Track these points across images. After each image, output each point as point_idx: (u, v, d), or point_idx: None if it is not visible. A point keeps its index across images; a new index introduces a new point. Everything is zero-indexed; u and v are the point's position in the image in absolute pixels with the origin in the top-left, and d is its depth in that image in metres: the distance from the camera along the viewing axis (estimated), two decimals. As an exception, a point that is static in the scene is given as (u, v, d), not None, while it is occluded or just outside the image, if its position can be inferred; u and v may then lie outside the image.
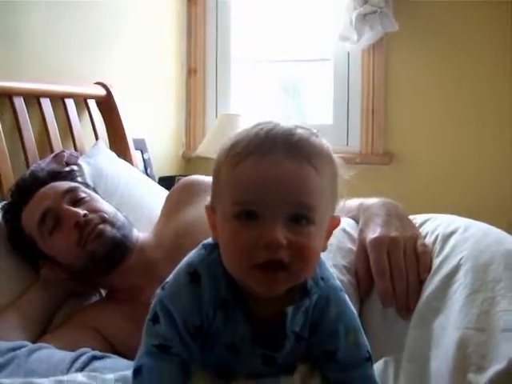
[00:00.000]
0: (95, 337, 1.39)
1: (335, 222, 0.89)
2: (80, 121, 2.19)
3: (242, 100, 3.14)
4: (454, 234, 1.15)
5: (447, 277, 1.06)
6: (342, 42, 2.65)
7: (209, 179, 1.63)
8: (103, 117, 2.32)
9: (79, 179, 1.67)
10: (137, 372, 0.85)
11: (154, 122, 2.82)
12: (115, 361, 1.08)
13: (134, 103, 2.54)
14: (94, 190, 1.64)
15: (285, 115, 3.09)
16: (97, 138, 2.22)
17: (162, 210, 1.64)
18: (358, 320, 0.93)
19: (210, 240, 0.90)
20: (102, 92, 2.29)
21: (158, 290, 0.89)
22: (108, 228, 1.46)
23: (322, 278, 0.90)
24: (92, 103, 2.26)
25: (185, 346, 0.86)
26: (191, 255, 0.90)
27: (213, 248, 0.88)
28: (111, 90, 2.31)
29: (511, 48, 2.55)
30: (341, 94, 2.85)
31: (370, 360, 0.92)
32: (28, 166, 1.89)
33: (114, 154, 2.14)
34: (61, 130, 2.07)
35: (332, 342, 0.90)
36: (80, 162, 1.94)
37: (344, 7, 2.59)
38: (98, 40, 2.37)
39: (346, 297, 0.92)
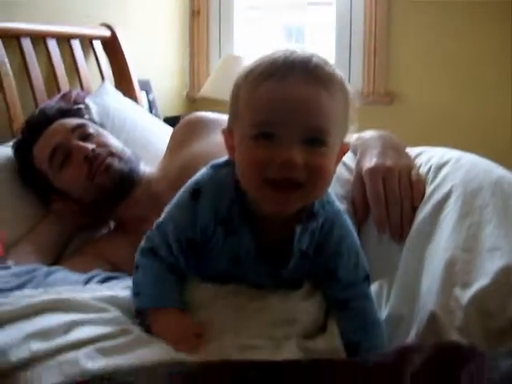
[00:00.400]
0: (105, 265, 1.46)
1: (345, 148, 0.93)
2: (86, 61, 2.22)
3: (245, 43, 3.14)
4: (446, 165, 1.20)
5: (438, 203, 1.11)
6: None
7: (212, 115, 1.68)
8: (108, 58, 2.34)
9: (87, 116, 1.72)
10: (135, 268, 0.98)
11: (158, 63, 2.84)
12: (127, 279, 1.15)
13: (139, 44, 2.56)
14: (102, 127, 1.69)
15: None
16: (103, 79, 2.25)
17: (167, 146, 1.69)
18: (359, 242, 0.99)
19: (218, 160, 0.96)
20: (107, 33, 2.31)
21: (165, 208, 0.98)
22: (116, 161, 1.52)
23: (328, 202, 0.96)
24: (97, 44, 2.28)
25: (173, 256, 0.95)
26: (198, 173, 0.97)
27: (220, 167, 0.94)
28: (116, 31, 2.33)
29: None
30: (343, 36, 2.86)
31: (367, 280, 0.98)
32: (37, 105, 1.93)
33: (120, 94, 2.18)
34: (67, 70, 2.10)
35: (334, 261, 0.96)
36: (87, 101, 1.98)
37: None
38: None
39: (349, 220, 0.98)
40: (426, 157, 1.27)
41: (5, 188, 1.57)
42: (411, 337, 0.94)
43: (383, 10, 2.74)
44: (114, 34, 2.32)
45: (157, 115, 2.65)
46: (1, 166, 1.62)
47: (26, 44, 1.93)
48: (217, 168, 0.96)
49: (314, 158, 0.83)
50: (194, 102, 3.07)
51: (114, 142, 1.58)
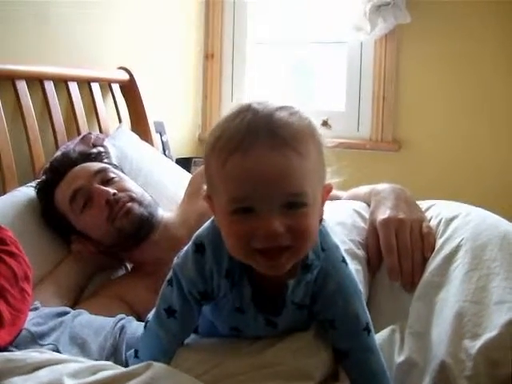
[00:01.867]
0: (122, 306, 1.51)
1: (328, 188, 0.92)
2: (104, 104, 2.29)
3: (257, 84, 3.23)
4: (455, 218, 1.25)
5: (448, 256, 1.17)
6: (356, 32, 2.74)
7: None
8: (126, 100, 2.42)
9: (107, 160, 1.78)
10: (145, 326, 1.03)
11: (172, 105, 2.91)
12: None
13: (154, 87, 2.63)
14: (122, 171, 1.75)
15: (298, 100, 3.18)
16: (120, 121, 2.33)
17: (185, 192, 1.75)
18: (359, 292, 1.00)
19: None
20: (125, 76, 2.39)
21: (175, 259, 1.01)
22: (136, 206, 1.58)
23: (323, 249, 0.96)
24: (116, 87, 2.36)
25: (188, 310, 0.99)
26: (201, 228, 0.99)
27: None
28: (133, 74, 2.41)
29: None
30: (353, 81, 2.94)
31: (367, 330, 0.99)
32: (57, 146, 2.00)
33: (136, 137, 2.25)
34: (86, 112, 2.17)
35: (331, 311, 0.98)
36: (106, 143, 2.04)
37: (358, -2, 2.68)
38: (122, 27, 2.47)
39: (349, 267, 0.99)
40: (436, 210, 1.32)
41: (27, 228, 1.62)
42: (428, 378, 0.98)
43: (393, 55, 2.83)
44: (131, 77, 2.40)
45: (169, 156, 2.72)
46: (23, 206, 1.67)
47: (49, 87, 2.00)
48: (215, 221, 0.96)
49: (295, 222, 0.83)
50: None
51: (135, 187, 1.64)
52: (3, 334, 1.01)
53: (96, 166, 1.65)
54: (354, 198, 1.52)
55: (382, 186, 1.42)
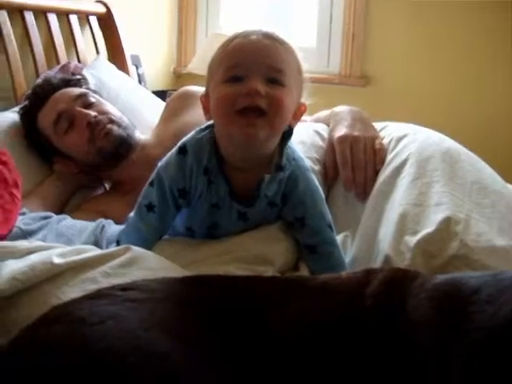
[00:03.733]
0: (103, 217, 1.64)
1: (302, 108, 1.15)
2: (82, 36, 2.36)
3: (231, 19, 3.30)
4: (405, 137, 1.39)
5: (397, 168, 1.31)
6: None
7: (202, 90, 1.85)
8: (103, 33, 2.49)
9: (87, 86, 1.88)
10: (126, 221, 1.21)
11: (148, 39, 2.98)
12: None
13: (131, 21, 2.69)
14: (101, 96, 1.85)
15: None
16: (98, 53, 2.40)
17: (161, 115, 1.87)
18: (323, 195, 1.19)
19: (201, 126, 1.16)
20: (102, 9, 2.46)
21: (159, 163, 1.18)
22: (115, 127, 1.68)
23: (294, 159, 1.15)
24: (93, 19, 2.43)
25: (166, 205, 1.15)
26: (185, 137, 1.17)
27: (201, 130, 1.15)
28: (110, 7, 2.48)
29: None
30: (324, 18, 3.04)
31: (330, 227, 1.18)
32: (38, 74, 2.09)
33: (114, 67, 2.33)
34: (66, 44, 2.25)
35: (300, 210, 1.16)
36: (84, 72, 2.13)
37: None
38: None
39: (313, 177, 1.18)
40: (388, 130, 1.46)
41: (11, 151, 1.72)
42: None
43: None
44: (108, 10, 2.47)
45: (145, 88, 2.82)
46: (7, 130, 1.77)
47: (29, 18, 2.07)
48: (199, 131, 1.16)
49: (274, 91, 1.04)
50: (180, 77, 3.23)
51: (114, 110, 1.75)
52: None
53: (77, 90, 1.75)
54: (317, 120, 1.66)
55: (341, 108, 1.56)
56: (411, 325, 0.70)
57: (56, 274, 0.98)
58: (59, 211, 1.67)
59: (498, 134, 2.78)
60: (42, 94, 1.75)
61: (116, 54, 2.48)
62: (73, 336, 0.69)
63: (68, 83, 1.80)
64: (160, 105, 2.17)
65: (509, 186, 1.34)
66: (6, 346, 0.72)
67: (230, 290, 0.84)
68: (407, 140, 1.38)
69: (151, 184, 1.17)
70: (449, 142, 1.38)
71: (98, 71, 2.20)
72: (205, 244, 1.18)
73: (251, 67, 1.04)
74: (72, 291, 0.95)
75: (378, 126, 1.52)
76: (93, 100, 1.73)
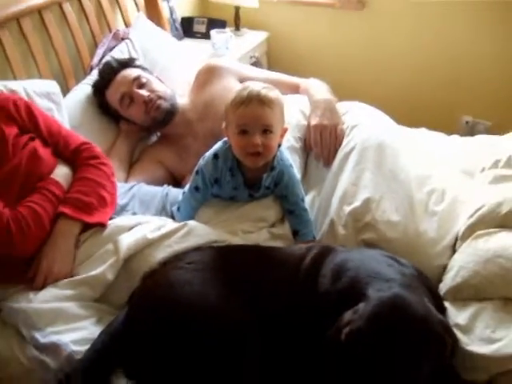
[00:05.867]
0: (161, 168, 2.38)
1: (284, 130, 1.86)
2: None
3: None
4: (356, 126, 2.08)
5: (345, 155, 2.01)
6: None
7: (225, 64, 2.57)
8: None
9: (138, 63, 2.52)
10: (182, 194, 1.95)
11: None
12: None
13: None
14: (148, 71, 2.51)
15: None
16: (138, 10, 3.01)
17: (193, 84, 2.53)
18: (300, 184, 1.93)
19: (225, 139, 1.88)
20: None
21: (200, 160, 1.91)
22: (162, 102, 2.36)
23: (281, 159, 1.88)
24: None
25: (206, 188, 1.91)
26: (216, 145, 1.90)
27: (226, 143, 1.87)
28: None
29: None
30: None
31: (302, 200, 1.93)
32: (95, 42, 2.74)
33: (151, 24, 2.94)
34: (111, 6, 2.87)
35: (285, 191, 1.91)
36: (131, 37, 2.77)
37: None
38: None
39: (294, 171, 1.92)
40: (347, 117, 2.15)
41: (90, 116, 2.44)
42: (325, 227, 1.90)
43: None
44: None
45: (175, 18, 3.44)
46: (84, 100, 2.47)
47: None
48: (224, 142, 1.88)
49: (266, 140, 1.77)
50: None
51: (160, 86, 2.41)
52: (109, 210, 1.88)
53: (132, 74, 2.37)
54: (306, 92, 2.34)
55: (320, 96, 2.24)
56: (320, 289, 1.48)
57: (150, 243, 1.74)
58: (130, 162, 2.42)
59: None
60: (106, 77, 2.42)
61: (152, 7, 3.08)
62: (173, 297, 1.48)
63: (125, 64, 2.45)
64: (191, 60, 2.84)
65: (411, 172, 1.97)
66: (127, 303, 1.55)
67: (241, 259, 1.63)
68: (357, 129, 2.07)
69: (197, 173, 1.90)
70: (385, 136, 2.04)
71: (140, 32, 2.83)
72: (229, 208, 1.94)
73: (252, 126, 1.76)
74: (160, 253, 1.72)
75: (343, 108, 2.21)
76: (144, 81, 2.38)
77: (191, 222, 1.85)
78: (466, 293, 1.64)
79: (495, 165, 2.00)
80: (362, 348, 1.31)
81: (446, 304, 1.64)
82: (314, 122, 2.14)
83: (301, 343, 1.47)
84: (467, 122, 3.53)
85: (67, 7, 2.60)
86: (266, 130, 1.77)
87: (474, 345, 1.51)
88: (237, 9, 3.57)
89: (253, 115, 1.75)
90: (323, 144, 2.10)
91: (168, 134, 2.48)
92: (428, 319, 1.33)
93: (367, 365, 1.30)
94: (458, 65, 3.40)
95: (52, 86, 2.25)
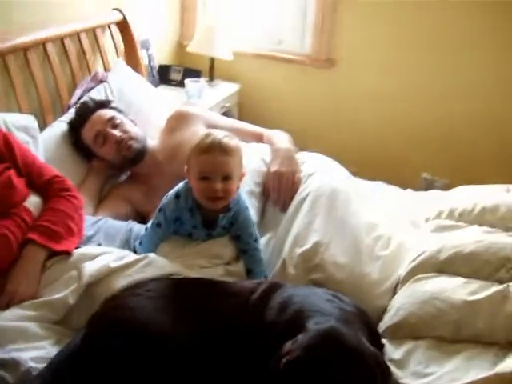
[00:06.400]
0: (127, 205, 2.50)
1: (243, 174, 1.99)
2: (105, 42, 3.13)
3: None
4: (312, 175, 2.25)
5: (300, 201, 2.17)
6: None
7: (194, 111, 2.69)
8: (121, 34, 3.24)
9: (114, 105, 2.68)
10: (145, 230, 2.07)
11: (155, 21, 3.73)
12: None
13: (141, 11, 3.44)
14: (122, 112, 2.65)
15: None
16: (118, 56, 3.19)
17: (163, 129, 2.69)
18: (254, 226, 2.07)
19: (186, 180, 2.00)
20: (120, 16, 3.19)
21: (164, 198, 2.04)
22: (134, 142, 2.51)
23: (238, 201, 2.02)
24: (114, 27, 3.18)
25: (167, 225, 2.02)
26: (179, 185, 2.03)
27: (187, 183, 1.99)
28: (125, 14, 3.20)
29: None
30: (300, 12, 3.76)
31: (256, 240, 2.06)
32: (74, 83, 2.90)
33: (130, 69, 3.11)
34: (92, 51, 3.04)
35: (239, 230, 2.04)
36: (109, 80, 2.93)
37: None
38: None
39: (250, 212, 2.05)
40: (305, 166, 2.32)
41: (63, 152, 2.56)
42: (277, 267, 2.04)
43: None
44: (124, 17, 3.20)
45: (153, 66, 3.62)
46: (59, 137, 2.60)
47: (67, 42, 2.85)
48: (186, 183, 2.01)
49: (226, 186, 1.90)
50: (183, 48, 3.97)
51: (132, 128, 2.56)
52: (76, 240, 1.99)
53: (107, 114, 2.52)
54: (269, 141, 2.50)
55: (281, 145, 2.42)
56: (267, 320, 1.61)
57: (112, 271, 1.84)
58: (99, 197, 2.55)
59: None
60: (83, 115, 2.57)
61: (131, 55, 3.27)
62: (129, 318, 1.59)
63: (101, 105, 2.61)
64: (166, 106, 3.01)
65: (361, 219, 2.13)
66: (86, 324, 1.65)
67: (195, 289, 1.75)
68: (313, 178, 2.24)
69: (160, 210, 2.03)
70: (339, 184, 2.21)
71: (118, 76, 3.00)
72: (187, 245, 2.06)
73: (213, 173, 1.89)
74: (120, 281, 1.81)
75: (302, 158, 2.38)
76: (118, 122, 2.53)
77: (151, 255, 1.96)
78: (403, 331, 1.79)
79: (438, 216, 2.21)
80: (298, 376, 1.42)
81: (384, 341, 1.77)
82: (273, 168, 2.30)
83: (246, 371, 1.58)
84: (425, 179, 3.73)
85: (50, 48, 2.76)
86: (227, 177, 1.90)
87: (407, 378, 1.64)
88: (212, 60, 3.77)
89: (214, 163, 1.88)
90: (281, 190, 2.25)
91: (137, 173, 2.61)
92: (359, 350, 1.45)
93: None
94: (421, 122, 3.63)
95: (30, 120, 2.38)
